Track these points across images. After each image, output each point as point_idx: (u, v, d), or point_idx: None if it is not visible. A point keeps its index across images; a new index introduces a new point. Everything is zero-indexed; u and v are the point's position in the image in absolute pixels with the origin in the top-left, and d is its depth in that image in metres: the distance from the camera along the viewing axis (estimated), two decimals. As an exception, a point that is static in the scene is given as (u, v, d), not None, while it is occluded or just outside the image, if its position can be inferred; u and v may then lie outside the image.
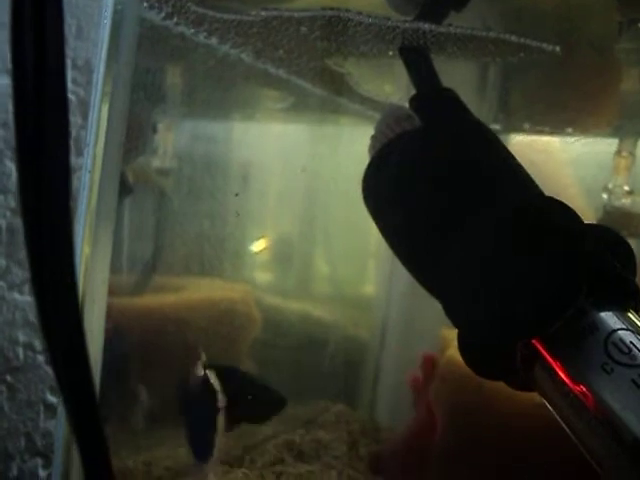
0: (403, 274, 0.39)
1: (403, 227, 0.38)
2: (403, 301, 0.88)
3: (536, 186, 0.36)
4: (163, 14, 0.45)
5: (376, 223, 0.40)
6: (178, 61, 0.59)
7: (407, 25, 0.41)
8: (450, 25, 0.42)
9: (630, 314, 0.30)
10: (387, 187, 0.39)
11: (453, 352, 0.34)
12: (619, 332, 0.28)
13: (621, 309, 0.30)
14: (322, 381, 0.86)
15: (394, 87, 0.62)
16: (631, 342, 0.28)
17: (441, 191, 0.36)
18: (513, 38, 0.44)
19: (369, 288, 0.99)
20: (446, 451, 0.62)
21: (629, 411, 0.26)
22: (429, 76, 0.43)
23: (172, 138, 0.67)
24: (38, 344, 0.66)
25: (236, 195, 0.48)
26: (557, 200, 0.32)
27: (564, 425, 0.29)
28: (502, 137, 0.69)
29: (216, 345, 0.76)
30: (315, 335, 0.89)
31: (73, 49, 0.52)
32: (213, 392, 0.56)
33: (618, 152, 0.68)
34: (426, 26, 0.41)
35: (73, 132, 0.49)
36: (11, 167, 0.67)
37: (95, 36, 0.48)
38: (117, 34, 0.47)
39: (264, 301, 0.85)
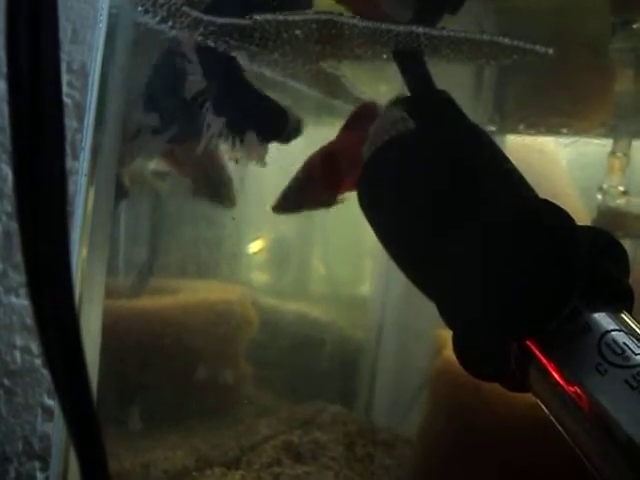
0: (399, 274, 0.39)
1: (397, 229, 0.38)
2: (399, 301, 0.88)
3: (530, 188, 0.36)
4: (158, 18, 0.45)
5: (371, 224, 0.40)
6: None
7: (401, 29, 0.41)
8: (443, 28, 0.42)
9: (623, 315, 0.30)
10: (381, 189, 0.39)
11: (449, 352, 0.34)
12: (612, 333, 0.29)
13: (614, 310, 0.30)
14: (319, 382, 0.86)
15: (389, 89, 0.63)
16: (624, 343, 0.28)
17: (435, 193, 0.36)
18: (506, 40, 0.44)
19: (365, 288, 0.99)
20: (443, 451, 0.62)
21: (622, 412, 0.26)
22: (423, 79, 0.43)
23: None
24: (35, 347, 0.66)
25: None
26: (550, 202, 0.33)
27: (558, 426, 0.30)
28: (497, 138, 0.69)
29: (213, 346, 0.76)
30: (312, 335, 0.89)
31: (68, 53, 0.52)
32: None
33: (612, 153, 0.68)
34: (420, 29, 0.41)
35: (69, 135, 0.49)
36: (7, 171, 0.67)
37: (90, 40, 0.48)
38: (112, 38, 0.47)
39: (261, 302, 0.85)
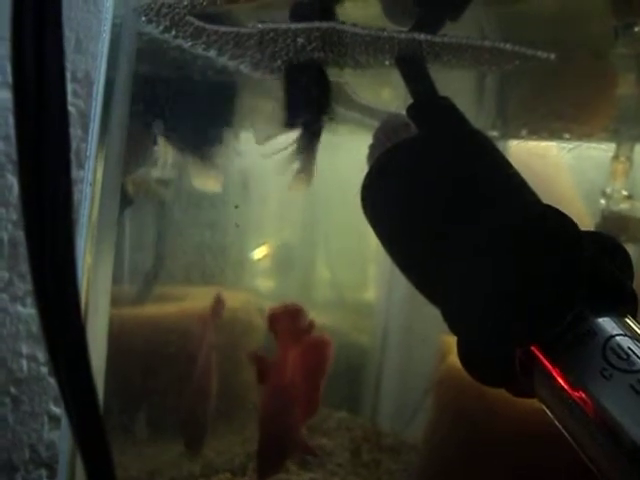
0: (403, 279, 0.39)
1: (401, 235, 0.38)
2: (404, 306, 0.88)
3: (533, 194, 0.36)
4: (161, 27, 0.45)
5: (374, 231, 0.41)
6: (177, 72, 0.59)
7: (403, 36, 0.41)
8: (445, 35, 0.42)
9: (628, 320, 0.30)
10: (385, 195, 0.39)
11: (454, 358, 0.34)
12: (617, 338, 0.29)
13: (619, 314, 0.30)
14: (324, 387, 0.86)
15: (392, 95, 0.63)
16: (629, 347, 0.28)
17: (438, 200, 0.36)
18: (508, 46, 0.44)
19: (370, 293, 0.99)
20: (448, 456, 0.62)
21: (628, 416, 0.26)
22: (426, 85, 0.43)
23: (172, 149, 0.67)
24: (41, 356, 0.66)
25: (236, 207, 0.48)
26: (554, 208, 0.33)
27: (563, 431, 0.30)
28: (500, 143, 0.69)
29: (218, 353, 0.76)
30: (316, 341, 0.89)
31: (72, 62, 0.52)
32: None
33: (616, 157, 0.68)
34: (422, 36, 0.41)
35: (74, 144, 0.50)
36: (12, 180, 0.68)
37: (94, 49, 0.49)
38: (116, 47, 0.47)
39: (266, 308, 0.85)
